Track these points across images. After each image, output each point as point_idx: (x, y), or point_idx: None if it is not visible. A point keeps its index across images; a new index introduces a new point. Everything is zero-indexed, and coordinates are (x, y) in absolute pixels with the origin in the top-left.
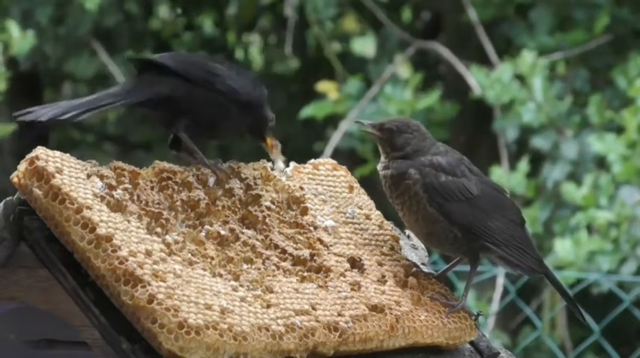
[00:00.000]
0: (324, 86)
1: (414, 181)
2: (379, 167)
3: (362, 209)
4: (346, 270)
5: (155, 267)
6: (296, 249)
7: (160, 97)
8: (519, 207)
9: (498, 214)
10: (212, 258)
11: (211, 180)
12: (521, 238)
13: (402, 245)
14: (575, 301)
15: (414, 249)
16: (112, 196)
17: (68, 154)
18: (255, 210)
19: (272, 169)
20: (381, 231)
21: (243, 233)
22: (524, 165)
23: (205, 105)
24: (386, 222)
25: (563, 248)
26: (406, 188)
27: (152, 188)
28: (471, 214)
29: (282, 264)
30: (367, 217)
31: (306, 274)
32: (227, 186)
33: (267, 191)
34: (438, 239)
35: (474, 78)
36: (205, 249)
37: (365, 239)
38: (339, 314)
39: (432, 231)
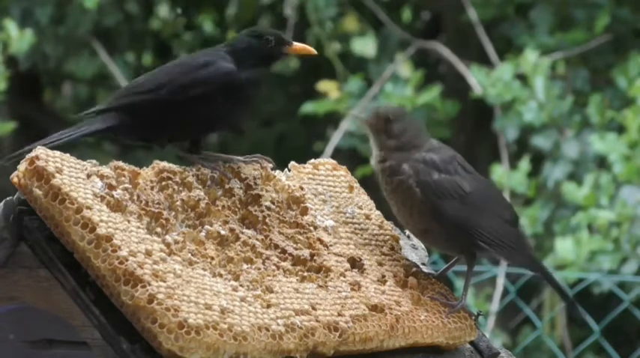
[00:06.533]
0: (324, 86)
1: (407, 176)
2: (374, 161)
3: (362, 209)
4: (346, 270)
5: (155, 266)
6: (296, 248)
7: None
8: (513, 206)
9: (490, 212)
10: (212, 258)
11: (211, 180)
12: (513, 237)
13: (402, 245)
14: (574, 300)
15: (414, 249)
16: (112, 196)
17: (68, 154)
18: (255, 210)
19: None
20: (381, 231)
21: (243, 233)
22: (525, 164)
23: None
24: (386, 222)
25: (563, 247)
26: (399, 183)
27: (152, 188)
28: (462, 212)
29: (282, 263)
30: (367, 217)
31: (306, 274)
32: (227, 186)
33: (267, 191)
34: (434, 236)
35: (475, 77)
36: (205, 249)
37: (365, 239)
38: (339, 314)
39: (427, 228)
